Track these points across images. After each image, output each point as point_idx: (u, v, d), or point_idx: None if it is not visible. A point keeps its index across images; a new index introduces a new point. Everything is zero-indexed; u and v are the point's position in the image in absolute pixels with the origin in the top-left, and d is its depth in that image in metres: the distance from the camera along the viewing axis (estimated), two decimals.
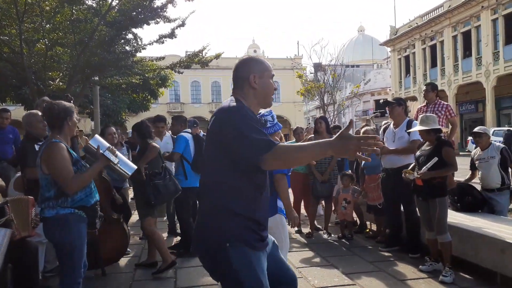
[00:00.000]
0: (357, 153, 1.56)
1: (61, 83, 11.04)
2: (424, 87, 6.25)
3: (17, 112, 17.58)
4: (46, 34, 9.81)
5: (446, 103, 6.11)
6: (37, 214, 3.00)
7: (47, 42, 10.02)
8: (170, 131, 6.33)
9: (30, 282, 3.02)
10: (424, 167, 4.10)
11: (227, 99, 2.02)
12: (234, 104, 1.92)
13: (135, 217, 7.64)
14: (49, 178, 2.70)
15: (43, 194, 2.74)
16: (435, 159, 4.06)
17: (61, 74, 11.38)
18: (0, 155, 5.82)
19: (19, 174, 4.34)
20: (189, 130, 5.49)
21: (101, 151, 2.81)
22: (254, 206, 1.93)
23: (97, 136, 3.03)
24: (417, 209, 4.70)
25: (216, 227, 1.88)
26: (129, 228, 4.99)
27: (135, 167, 3.08)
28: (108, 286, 4.11)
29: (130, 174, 3.00)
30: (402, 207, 5.10)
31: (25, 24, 9.34)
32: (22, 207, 2.99)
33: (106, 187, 4.48)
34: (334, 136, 1.61)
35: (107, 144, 2.93)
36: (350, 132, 1.59)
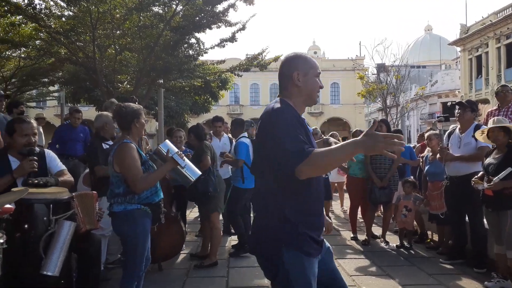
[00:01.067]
0: (384, 151, 1.64)
1: (128, 86, 11.72)
2: (500, 88, 5.75)
3: (89, 112, 18.91)
4: (116, 40, 10.47)
5: None
6: (101, 208, 3.20)
7: (117, 47, 10.70)
8: (230, 133, 6.47)
9: (92, 271, 3.21)
10: (496, 177, 3.79)
11: (275, 99, 2.02)
12: (277, 105, 1.91)
13: (192, 214, 7.91)
14: (120, 176, 2.88)
15: (113, 190, 2.93)
16: (509, 169, 3.74)
17: (128, 77, 12.08)
18: (72, 153, 6.31)
19: (87, 170, 4.66)
20: (246, 134, 5.61)
21: (170, 155, 2.96)
22: (308, 210, 1.92)
23: (167, 141, 3.21)
24: (484, 220, 4.38)
25: (271, 232, 1.89)
26: (186, 225, 5.19)
27: (200, 172, 3.20)
28: (163, 281, 4.27)
29: (194, 179, 3.13)
30: (467, 218, 4.78)
31: (98, 31, 10.04)
32: (88, 201, 3.21)
33: (166, 186, 4.67)
34: (361, 135, 1.68)
35: (176, 149, 3.07)
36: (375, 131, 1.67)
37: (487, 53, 30.78)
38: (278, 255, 1.86)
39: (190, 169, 3.10)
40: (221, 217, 6.54)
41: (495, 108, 5.78)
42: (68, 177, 3.26)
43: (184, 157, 3.05)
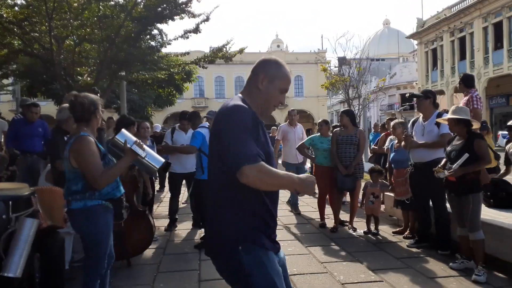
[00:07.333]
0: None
1: (89, 79, 11.29)
2: (452, 80, 5.99)
3: (48, 107, 18.11)
4: (74, 30, 10.02)
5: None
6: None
7: (75, 39, 10.25)
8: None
9: (56, 271, 3.07)
10: (455, 164, 3.94)
11: (234, 96, 1.96)
12: (235, 103, 1.83)
13: (160, 209, 7.77)
14: (78, 172, 2.69)
15: (70, 187, 2.74)
16: (466, 155, 3.89)
17: (89, 69, 11.64)
18: (30, 148, 5.98)
19: (49, 167, 4.44)
20: (206, 124, 5.51)
21: (128, 145, 2.77)
22: (263, 204, 1.85)
23: (124, 130, 2.97)
24: (447, 204, 4.55)
25: (226, 228, 1.82)
26: (154, 219, 5.06)
27: (163, 160, 3.03)
28: (133, 277, 4.15)
29: (158, 167, 2.96)
30: (431, 202, 4.96)
31: (55, 21, 9.57)
32: (53, 197, 3.04)
33: (132, 179, 4.53)
34: (300, 176, 1.80)
35: (134, 138, 2.88)
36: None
37: (442, 46, 32.10)
38: (236, 256, 1.78)
39: (152, 157, 2.92)
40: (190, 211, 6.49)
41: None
42: None
43: (145, 146, 2.88)
